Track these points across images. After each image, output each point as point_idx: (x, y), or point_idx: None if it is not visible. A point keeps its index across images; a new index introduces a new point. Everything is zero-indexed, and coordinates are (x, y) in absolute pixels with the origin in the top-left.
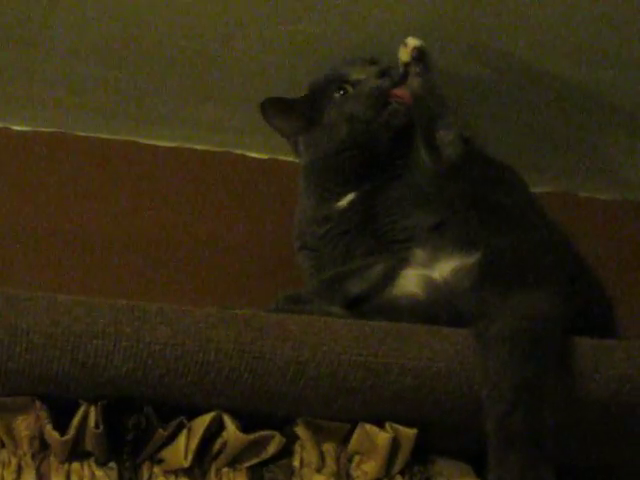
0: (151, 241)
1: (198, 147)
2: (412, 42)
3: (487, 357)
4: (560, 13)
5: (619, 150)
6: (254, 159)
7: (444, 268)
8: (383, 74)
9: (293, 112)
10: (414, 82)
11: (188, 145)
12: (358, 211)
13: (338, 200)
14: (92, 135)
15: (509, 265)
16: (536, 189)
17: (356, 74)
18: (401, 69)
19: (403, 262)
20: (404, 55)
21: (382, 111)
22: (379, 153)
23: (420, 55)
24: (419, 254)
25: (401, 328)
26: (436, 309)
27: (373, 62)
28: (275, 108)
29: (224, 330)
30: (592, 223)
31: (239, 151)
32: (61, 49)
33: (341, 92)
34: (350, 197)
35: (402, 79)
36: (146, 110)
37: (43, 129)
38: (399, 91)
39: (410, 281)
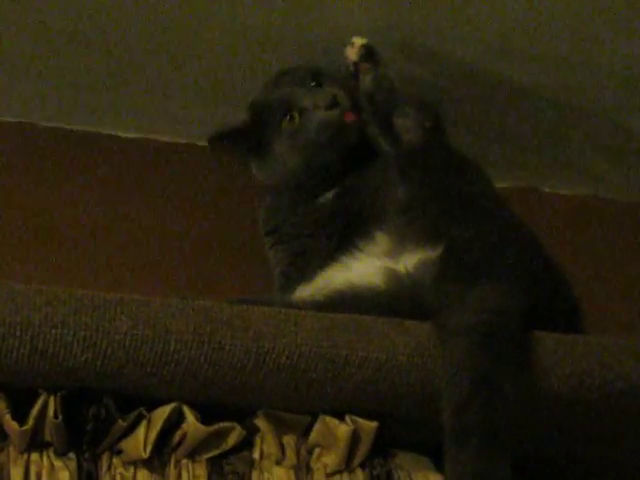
0: (113, 232)
1: (162, 139)
2: (359, 41)
3: (446, 350)
4: (514, 19)
5: (583, 146)
6: None
7: (409, 261)
8: (332, 105)
9: (239, 141)
10: (365, 79)
11: (152, 136)
12: (339, 205)
13: (317, 197)
14: (55, 125)
15: (471, 258)
16: (500, 184)
17: (303, 100)
18: (351, 68)
19: (362, 246)
20: (352, 54)
21: (335, 138)
22: (338, 167)
23: (368, 52)
24: (383, 240)
25: (362, 320)
26: (398, 301)
27: (317, 80)
28: (220, 143)
29: (184, 321)
30: (556, 218)
31: (203, 143)
32: (22, 37)
33: (288, 118)
34: (329, 195)
35: (354, 78)
36: (110, 101)
37: (7, 119)
38: (349, 115)
39: (371, 271)
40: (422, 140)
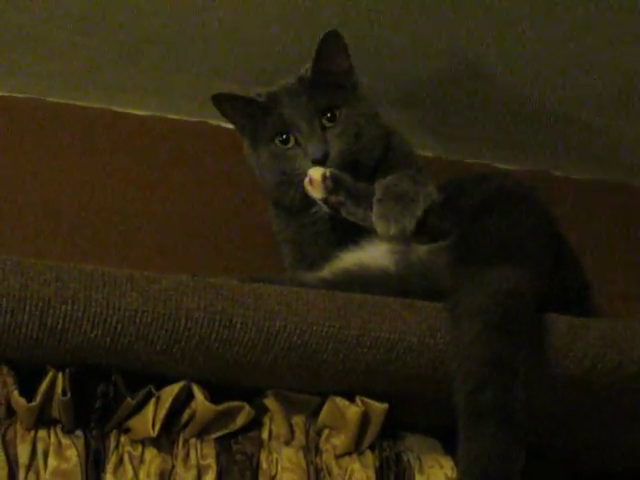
0: (124, 209)
1: (173, 116)
2: (317, 174)
3: (459, 331)
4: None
5: (594, 129)
6: (229, 130)
7: (419, 249)
8: (319, 162)
9: (240, 113)
10: (342, 213)
11: (163, 114)
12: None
13: (307, 209)
14: (67, 102)
15: (484, 243)
16: (512, 167)
17: (303, 135)
18: (320, 204)
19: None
20: (316, 192)
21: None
22: None
23: (333, 182)
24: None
25: (374, 300)
26: (409, 284)
27: (333, 113)
28: (224, 103)
29: (195, 298)
30: (567, 202)
31: (214, 121)
32: (36, 15)
33: (284, 137)
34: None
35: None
36: (121, 78)
37: (18, 95)
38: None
39: (383, 254)
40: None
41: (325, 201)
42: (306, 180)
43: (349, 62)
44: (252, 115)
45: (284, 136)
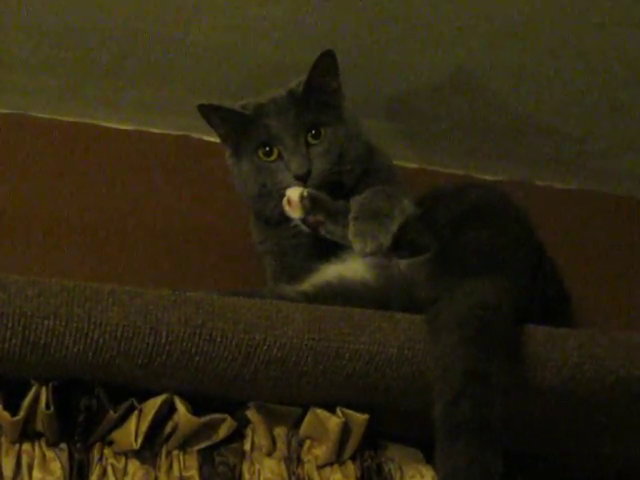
0: (107, 223)
1: (156, 130)
2: (295, 195)
3: (437, 343)
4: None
5: (576, 139)
6: (211, 143)
7: (400, 262)
8: (301, 180)
9: (224, 123)
10: (321, 231)
11: (146, 128)
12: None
13: (288, 221)
14: (50, 117)
15: (463, 256)
16: (495, 177)
17: (287, 150)
18: (300, 224)
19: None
20: (294, 212)
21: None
22: None
23: (312, 201)
24: None
25: (353, 312)
26: (388, 297)
27: (317, 130)
28: (208, 112)
29: (175, 312)
30: (549, 212)
31: (196, 135)
32: (19, 32)
33: (267, 149)
34: None
35: (309, 228)
36: (104, 93)
37: (2, 111)
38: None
39: (363, 267)
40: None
41: (304, 221)
42: (284, 200)
43: (338, 82)
44: (237, 126)
45: (267, 148)
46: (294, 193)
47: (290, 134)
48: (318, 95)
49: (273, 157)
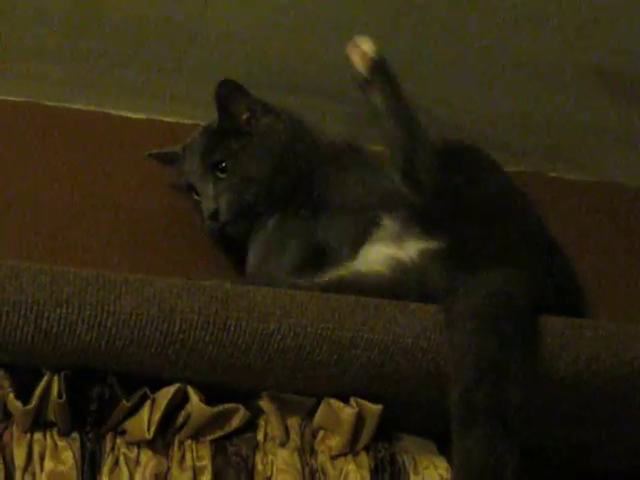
0: (120, 211)
1: (168, 119)
2: (366, 46)
3: (453, 332)
4: None
5: (588, 130)
6: None
7: (411, 248)
8: (213, 218)
9: (173, 162)
10: (377, 99)
11: (157, 117)
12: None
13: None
14: (62, 105)
15: (477, 247)
16: (505, 168)
17: (200, 194)
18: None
19: (369, 232)
20: (360, 64)
21: (219, 239)
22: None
23: (379, 66)
24: (389, 224)
25: (368, 302)
26: (403, 288)
27: (221, 167)
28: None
29: (189, 300)
30: (561, 203)
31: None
32: (30, 18)
33: (193, 191)
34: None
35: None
36: (116, 81)
37: (12, 99)
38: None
39: (377, 259)
40: (437, 178)
41: (364, 84)
42: (352, 48)
43: (251, 106)
44: (179, 166)
45: (192, 189)
46: (366, 43)
47: (197, 176)
48: (230, 124)
49: (198, 197)
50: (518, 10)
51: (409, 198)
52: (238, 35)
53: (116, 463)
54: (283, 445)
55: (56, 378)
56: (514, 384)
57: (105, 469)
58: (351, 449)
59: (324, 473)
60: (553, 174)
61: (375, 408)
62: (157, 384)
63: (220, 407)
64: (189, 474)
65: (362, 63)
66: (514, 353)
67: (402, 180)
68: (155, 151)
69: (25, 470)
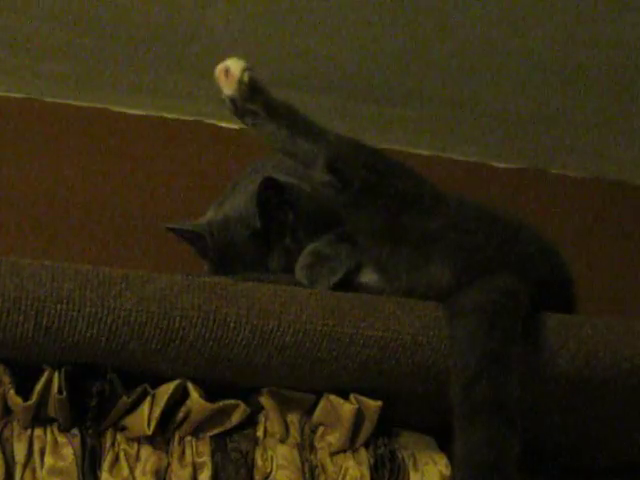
0: (120, 208)
1: (169, 116)
2: (235, 68)
3: (455, 327)
4: None
5: (590, 127)
6: (225, 129)
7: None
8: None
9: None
10: (249, 123)
11: (159, 113)
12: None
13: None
14: (63, 102)
15: (474, 257)
16: (507, 165)
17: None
18: (228, 103)
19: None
20: (227, 88)
21: None
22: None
23: (251, 88)
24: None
25: (368, 299)
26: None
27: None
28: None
29: (189, 297)
30: (562, 200)
31: (210, 120)
32: (33, 15)
33: None
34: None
35: (233, 112)
36: (117, 78)
37: (15, 95)
38: None
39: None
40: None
41: (233, 102)
42: (219, 68)
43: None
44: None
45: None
46: (235, 65)
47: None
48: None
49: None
50: (518, 8)
51: (331, 191)
52: (240, 32)
53: (116, 459)
54: (283, 441)
55: (56, 374)
56: (514, 378)
57: (105, 465)
58: (351, 445)
59: (324, 469)
60: (554, 171)
61: (375, 404)
62: (157, 380)
63: (220, 403)
64: (189, 470)
65: (228, 84)
66: (514, 348)
67: (325, 167)
68: (175, 225)
69: (25, 466)
